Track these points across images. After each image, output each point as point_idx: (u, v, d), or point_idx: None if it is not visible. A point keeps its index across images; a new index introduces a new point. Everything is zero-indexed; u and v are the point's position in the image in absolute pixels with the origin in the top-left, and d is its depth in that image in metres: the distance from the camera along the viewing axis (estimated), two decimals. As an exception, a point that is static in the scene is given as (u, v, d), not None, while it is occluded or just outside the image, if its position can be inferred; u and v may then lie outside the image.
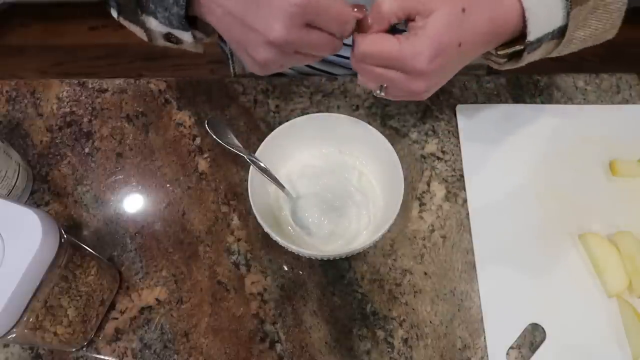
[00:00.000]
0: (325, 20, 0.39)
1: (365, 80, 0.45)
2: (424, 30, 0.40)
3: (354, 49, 0.44)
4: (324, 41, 0.40)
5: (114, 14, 0.49)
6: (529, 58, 0.46)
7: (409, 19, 0.41)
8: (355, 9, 0.41)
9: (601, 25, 0.46)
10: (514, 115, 0.64)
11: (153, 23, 0.46)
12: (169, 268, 0.56)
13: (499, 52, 0.46)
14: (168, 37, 0.47)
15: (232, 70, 0.77)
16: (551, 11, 0.42)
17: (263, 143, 0.54)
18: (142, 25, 0.47)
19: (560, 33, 0.44)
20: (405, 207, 0.59)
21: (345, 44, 0.67)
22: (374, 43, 0.41)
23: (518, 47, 0.45)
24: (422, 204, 0.59)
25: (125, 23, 0.49)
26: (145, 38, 0.49)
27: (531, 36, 0.42)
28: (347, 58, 0.71)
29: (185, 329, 0.53)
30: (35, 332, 0.44)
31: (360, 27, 0.42)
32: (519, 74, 0.68)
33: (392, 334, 0.53)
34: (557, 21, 0.43)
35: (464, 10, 0.40)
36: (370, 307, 0.54)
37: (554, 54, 0.48)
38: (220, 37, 0.69)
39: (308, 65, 0.77)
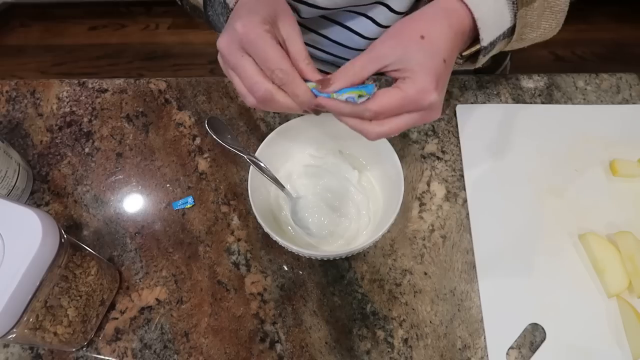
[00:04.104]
0: (256, 55, 0.43)
1: (388, 132, 0.46)
2: (412, 71, 0.42)
3: (361, 114, 0.44)
4: (249, 73, 0.44)
5: None
6: (483, 59, 0.49)
7: (382, 72, 0.44)
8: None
9: (549, 25, 0.50)
10: (514, 115, 0.64)
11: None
12: (169, 268, 0.56)
13: (462, 54, 0.49)
14: None
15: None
16: (499, 16, 0.45)
17: (263, 143, 0.54)
18: None
19: (510, 32, 0.47)
20: (405, 207, 0.59)
21: (345, 46, 0.67)
22: (380, 100, 0.43)
23: (474, 49, 0.48)
24: (422, 204, 0.59)
25: None
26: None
27: (484, 42, 0.46)
28: (344, 59, 0.72)
29: (185, 329, 0.53)
30: (35, 332, 0.44)
31: (324, 83, 0.44)
32: (519, 74, 0.68)
33: (392, 334, 0.53)
34: (505, 23, 0.46)
35: (422, 37, 0.43)
36: (370, 307, 0.54)
37: (507, 49, 0.52)
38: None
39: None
